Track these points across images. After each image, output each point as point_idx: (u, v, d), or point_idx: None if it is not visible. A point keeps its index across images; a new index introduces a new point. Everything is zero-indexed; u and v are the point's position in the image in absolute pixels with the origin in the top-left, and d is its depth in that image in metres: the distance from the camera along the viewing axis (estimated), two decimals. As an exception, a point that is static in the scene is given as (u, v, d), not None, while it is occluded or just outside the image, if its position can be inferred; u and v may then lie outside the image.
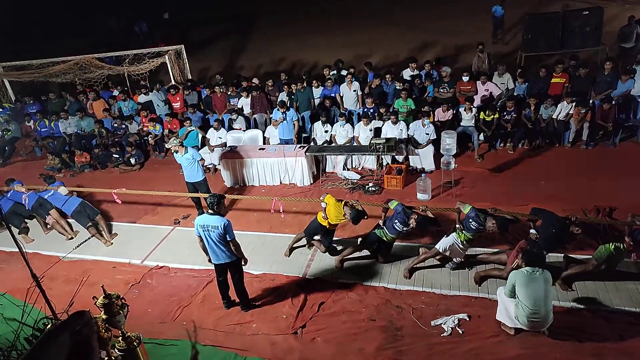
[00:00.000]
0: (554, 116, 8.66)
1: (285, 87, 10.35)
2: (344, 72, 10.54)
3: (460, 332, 4.79)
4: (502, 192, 7.53)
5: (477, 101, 9.37)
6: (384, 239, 5.88)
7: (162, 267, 6.56)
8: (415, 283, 5.66)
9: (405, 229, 5.69)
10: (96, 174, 10.44)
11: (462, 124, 8.94)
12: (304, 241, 6.57)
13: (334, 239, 6.48)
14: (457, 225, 5.58)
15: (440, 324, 4.91)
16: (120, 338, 3.03)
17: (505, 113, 8.90)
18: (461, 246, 5.58)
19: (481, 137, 9.01)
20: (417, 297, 5.43)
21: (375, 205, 6.38)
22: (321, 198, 6.07)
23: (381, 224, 5.90)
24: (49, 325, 2.71)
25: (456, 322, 4.88)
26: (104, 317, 2.93)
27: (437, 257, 5.85)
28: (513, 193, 7.43)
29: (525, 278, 4.36)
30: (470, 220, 5.40)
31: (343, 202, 5.89)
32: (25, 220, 7.94)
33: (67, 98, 12.27)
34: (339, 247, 6.47)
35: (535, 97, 8.83)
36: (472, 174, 8.28)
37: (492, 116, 8.83)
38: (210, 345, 4.94)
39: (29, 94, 13.12)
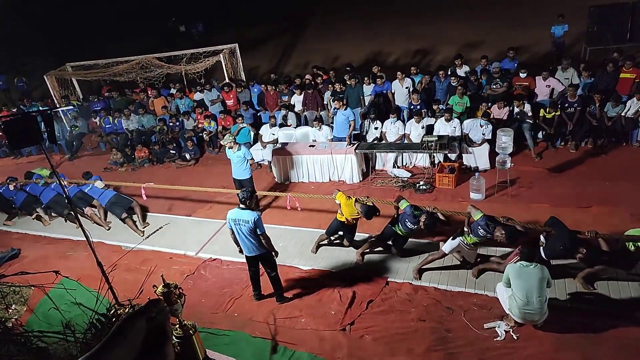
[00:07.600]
0: (622, 114, 8.12)
1: (336, 85, 10.34)
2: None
3: (515, 337, 4.61)
4: (562, 193, 7.17)
5: (541, 97, 8.95)
6: (399, 233, 5.96)
7: (215, 259, 6.77)
8: (467, 285, 5.51)
9: (416, 227, 5.72)
10: (154, 169, 10.93)
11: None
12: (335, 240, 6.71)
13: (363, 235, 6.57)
14: (465, 229, 5.48)
15: (494, 327, 4.76)
16: (177, 326, 3.17)
17: (567, 104, 8.42)
18: (469, 248, 5.53)
19: (540, 135, 8.59)
20: (468, 299, 5.29)
21: (387, 203, 6.28)
22: (333, 196, 6.19)
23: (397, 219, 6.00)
24: (120, 311, 2.88)
25: (510, 326, 4.72)
26: (163, 305, 3.08)
27: (459, 258, 5.84)
28: (574, 194, 7.06)
29: (519, 270, 4.53)
30: (479, 227, 5.26)
31: (354, 199, 6.02)
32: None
33: (128, 96, 12.94)
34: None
35: (601, 94, 8.29)
36: (529, 173, 7.94)
37: (553, 113, 8.40)
38: (261, 338, 5.06)
39: (95, 93, 13.94)
